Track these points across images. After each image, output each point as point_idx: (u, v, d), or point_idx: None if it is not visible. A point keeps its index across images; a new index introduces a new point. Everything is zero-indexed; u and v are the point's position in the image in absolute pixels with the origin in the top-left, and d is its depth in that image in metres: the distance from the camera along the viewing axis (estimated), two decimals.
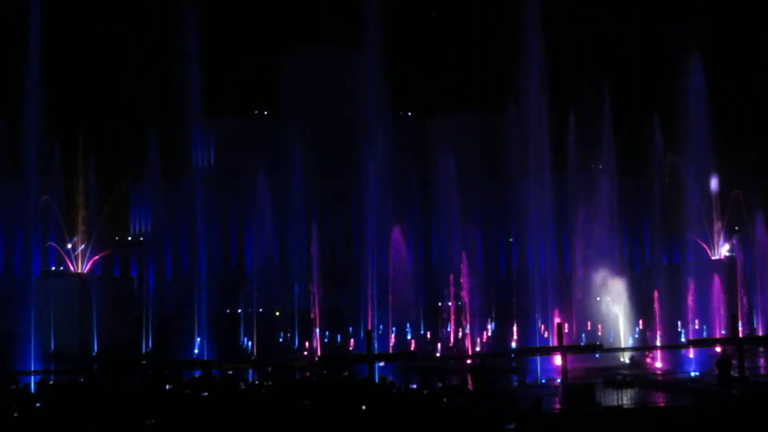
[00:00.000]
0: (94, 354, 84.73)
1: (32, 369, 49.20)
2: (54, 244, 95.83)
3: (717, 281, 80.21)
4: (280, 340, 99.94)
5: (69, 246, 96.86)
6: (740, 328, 65.18)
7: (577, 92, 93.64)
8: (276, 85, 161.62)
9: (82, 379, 43.56)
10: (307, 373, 47.40)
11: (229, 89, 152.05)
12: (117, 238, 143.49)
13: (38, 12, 54.60)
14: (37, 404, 37.02)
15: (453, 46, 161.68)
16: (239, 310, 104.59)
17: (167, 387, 38.41)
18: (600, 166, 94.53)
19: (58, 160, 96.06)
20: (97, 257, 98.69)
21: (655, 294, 75.03)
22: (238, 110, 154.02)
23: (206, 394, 37.25)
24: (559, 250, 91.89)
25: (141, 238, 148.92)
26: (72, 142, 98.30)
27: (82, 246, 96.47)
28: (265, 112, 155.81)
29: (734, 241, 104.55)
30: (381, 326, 76.87)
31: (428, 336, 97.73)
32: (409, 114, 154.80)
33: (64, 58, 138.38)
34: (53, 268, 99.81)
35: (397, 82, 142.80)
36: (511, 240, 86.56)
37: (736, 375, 47.21)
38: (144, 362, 71.46)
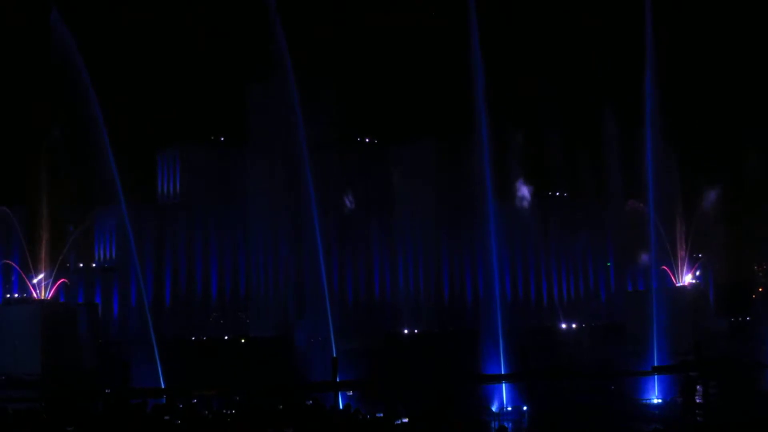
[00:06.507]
0: (56, 380, 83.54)
1: None
2: (16, 267, 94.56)
3: (682, 307, 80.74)
4: (244, 366, 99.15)
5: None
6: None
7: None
8: (241, 112, 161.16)
9: (43, 405, 42.90)
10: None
11: (195, 116, 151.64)
12: (81, 265, 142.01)
13: None
14: None
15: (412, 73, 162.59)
16: (204, 337, 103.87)
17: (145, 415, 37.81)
18: (558, 193, 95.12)
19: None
20: (59, 282, 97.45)
21: (620, 319, 75.46)
22: (204, 137, 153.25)
23: (171, 422, 36.78)
24: (524, 276, 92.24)
25: (105, 265, 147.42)
26: (35, 167, 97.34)
27: (42, 274, 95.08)
28: (222, 138, 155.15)
29: (698, 269, 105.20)
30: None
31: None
32: (372, 140, 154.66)
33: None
34: (16, 295, 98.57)
35: (358, 108, 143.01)
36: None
37: (701, 401, 47.45)
38: (107, 389, 70.43)
